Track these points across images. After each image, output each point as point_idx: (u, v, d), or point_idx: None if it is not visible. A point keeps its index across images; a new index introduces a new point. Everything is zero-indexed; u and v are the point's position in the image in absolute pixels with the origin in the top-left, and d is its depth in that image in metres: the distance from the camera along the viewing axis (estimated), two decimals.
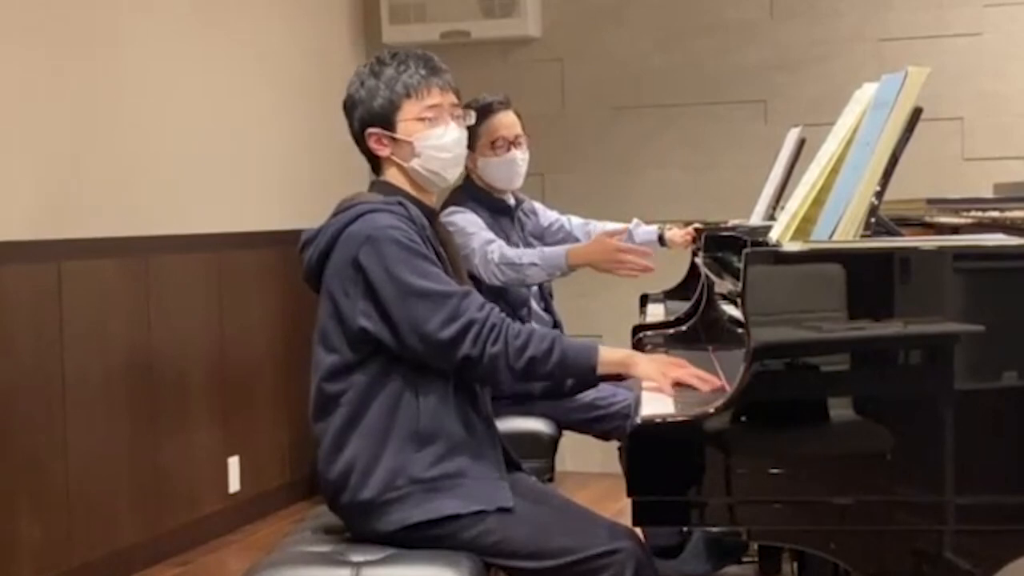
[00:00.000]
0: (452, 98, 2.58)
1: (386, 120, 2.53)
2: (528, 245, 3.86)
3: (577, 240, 4.02)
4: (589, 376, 2.46)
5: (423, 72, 2.53)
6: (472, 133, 3.65)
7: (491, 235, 3.67)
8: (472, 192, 3.77)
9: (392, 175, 2.58)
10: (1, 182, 3.92)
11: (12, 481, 3.89)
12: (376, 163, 2.60)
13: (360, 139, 2.57)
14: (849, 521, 1.96)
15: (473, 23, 5.73)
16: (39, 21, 4.07)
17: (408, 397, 2.42)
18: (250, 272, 5.12)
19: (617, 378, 2.56)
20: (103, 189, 4.33)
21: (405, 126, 2.52)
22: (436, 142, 2.54)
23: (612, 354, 2.44)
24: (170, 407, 4.61)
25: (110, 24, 4.38)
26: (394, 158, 2.55)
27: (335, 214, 2.51)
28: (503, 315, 2.42)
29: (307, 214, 5.31)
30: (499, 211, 3.81)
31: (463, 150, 2.61)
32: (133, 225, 4.46)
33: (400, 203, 2.48)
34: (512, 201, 3.89)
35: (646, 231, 4.13)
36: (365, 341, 2.41)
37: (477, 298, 2.42)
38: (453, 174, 2.62)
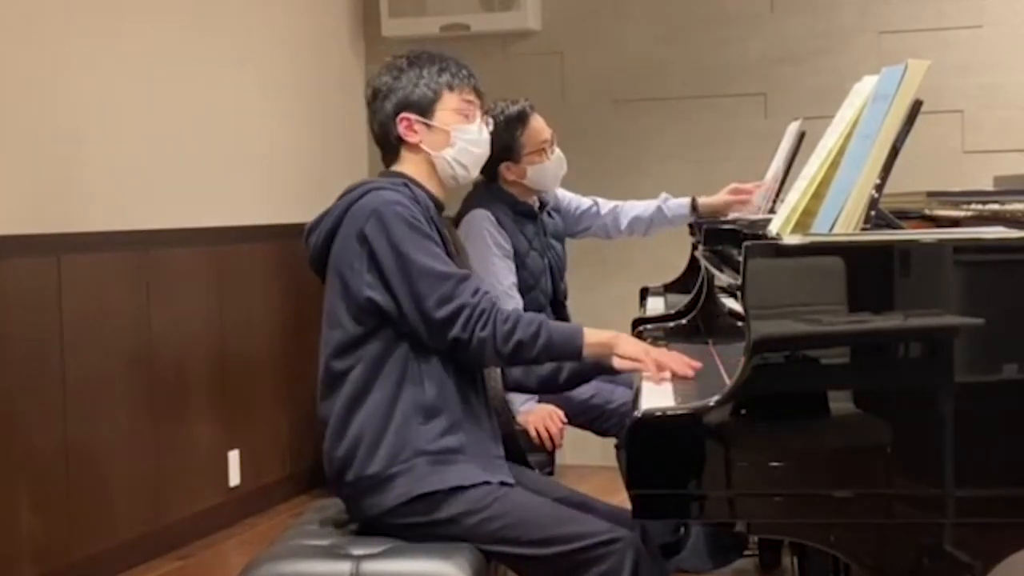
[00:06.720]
0: (480, 102, 2.67)
1: (424, 109, 2.59)
2: (548, 248, 3.83)
3: (605, 225, 4.04)
4: (575, 358, 2.53)
5: (465, 73, 2.63)
6: (512, 143, 3.66)
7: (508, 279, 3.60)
8: (499, 193, 3.71)
9: (409, 165, 2.61)
10: (0, 176, 3.91)
11: (12, 474, 3.89)
12: (391, 156, 2.64)
13: (387, 125, 2.60)
14: (849, 514, 1.96)
15: (473, 16, 5.73)
16: (36, 15, 4.06)
17: (413, 370, 2.46)
18: (250, 266, 5.12)
19: (610, 372, 2.58)
20: (102, 183, 4.33)
21: (443, 115, 2.59)
22: (472, 136, 2.62)
23: (597, 335, 2.50)
24: (170, 401, 4.61)
25: (109, 19, 4.37)
26: (423, 146, 2.59)
27: (340, 198, 2.55)
28: (494, 300, 2.46)
29: (307, 207, 5.31)
30: (524, 214, 3.76)
31: (487, 152, 2.70)
32: (133, 219, 4.46)
33: (406, 184, 2.53)
34: (537, 205, 3.84)
35: (677, 204, 4.04)
36: (371, 313, 2.45)
37: (473, 283, 2.46)
38: (474, 173, 2.69)
